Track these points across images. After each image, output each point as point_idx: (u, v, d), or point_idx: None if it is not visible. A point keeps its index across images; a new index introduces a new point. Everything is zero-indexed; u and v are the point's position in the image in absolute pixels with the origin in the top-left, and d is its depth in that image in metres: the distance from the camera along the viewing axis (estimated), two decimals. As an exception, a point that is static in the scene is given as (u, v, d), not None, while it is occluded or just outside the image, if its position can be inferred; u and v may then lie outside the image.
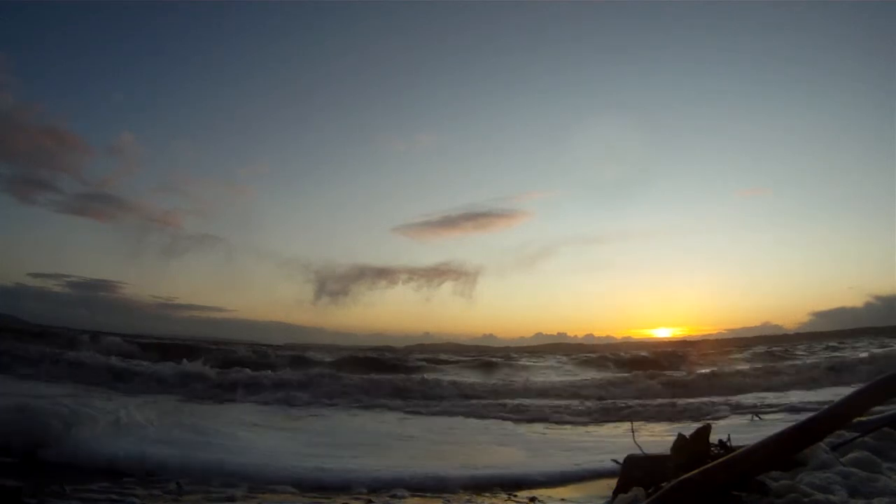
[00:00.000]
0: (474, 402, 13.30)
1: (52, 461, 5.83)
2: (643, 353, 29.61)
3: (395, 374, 18.56)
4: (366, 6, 73.75)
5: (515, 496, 4.98)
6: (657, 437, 7.50)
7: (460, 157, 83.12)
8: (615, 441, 7.58)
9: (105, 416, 6.88)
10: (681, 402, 12.13)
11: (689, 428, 3.61)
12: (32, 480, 4.90)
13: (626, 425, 8.61)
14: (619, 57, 73.43)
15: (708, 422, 4.28)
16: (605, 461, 5.40)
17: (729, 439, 3.94)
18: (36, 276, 63.40)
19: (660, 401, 12.75)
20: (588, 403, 12.54)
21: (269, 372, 16.65)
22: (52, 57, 67.65)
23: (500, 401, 13.22)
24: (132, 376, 15.70)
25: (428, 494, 5.06)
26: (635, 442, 4.41)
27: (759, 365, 20.94)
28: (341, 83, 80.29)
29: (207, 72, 72.08)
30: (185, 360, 16.82)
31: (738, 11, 64.41)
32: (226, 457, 5.98)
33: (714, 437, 3.53)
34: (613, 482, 4.19)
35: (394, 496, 4.95)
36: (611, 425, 9.83)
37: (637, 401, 12.94)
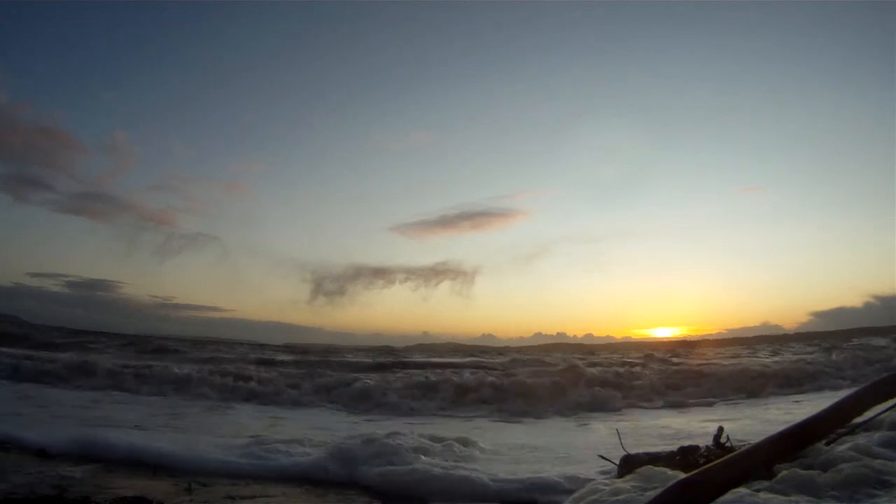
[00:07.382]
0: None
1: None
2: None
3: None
4: (361, 4, 73.81)
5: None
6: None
7: (457, 156, 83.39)
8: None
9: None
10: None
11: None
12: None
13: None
14: (618, 56, 73.59)
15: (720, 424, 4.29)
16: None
17: (727, 439, 3.92)
18: (34, 275, 63.46)
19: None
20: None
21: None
22: (45, 55, 67.72)
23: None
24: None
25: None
26: (623, 447, 4.40)
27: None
28: (336, 81, 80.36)
29: (201, 70, 72.30)
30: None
31: (737, 10, 64.50)
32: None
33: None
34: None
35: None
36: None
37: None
